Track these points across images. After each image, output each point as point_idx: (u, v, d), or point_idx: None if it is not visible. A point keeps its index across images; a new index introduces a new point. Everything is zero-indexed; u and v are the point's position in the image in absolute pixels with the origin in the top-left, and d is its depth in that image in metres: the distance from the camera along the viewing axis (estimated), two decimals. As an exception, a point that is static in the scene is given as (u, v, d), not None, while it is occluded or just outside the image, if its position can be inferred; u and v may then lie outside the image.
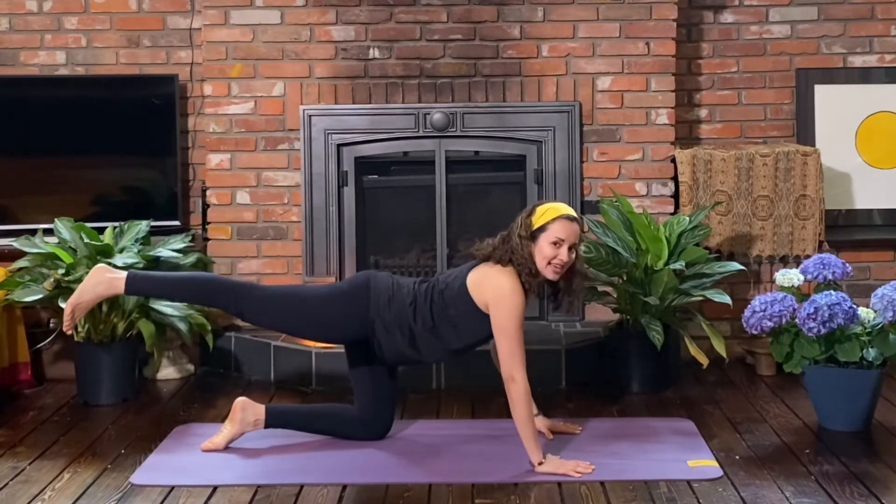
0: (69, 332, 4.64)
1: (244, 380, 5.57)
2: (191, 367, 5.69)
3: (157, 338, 5.19)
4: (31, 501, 3.97)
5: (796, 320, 4.60)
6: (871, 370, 4.60)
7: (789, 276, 4.87)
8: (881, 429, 4.69)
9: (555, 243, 4.28)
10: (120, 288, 4.48)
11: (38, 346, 5.53)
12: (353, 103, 5.82)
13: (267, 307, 4.45)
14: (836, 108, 6.10)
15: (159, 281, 4.58)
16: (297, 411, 4.69)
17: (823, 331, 4.52)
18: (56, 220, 5.37)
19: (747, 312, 4.70)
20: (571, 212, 4.36)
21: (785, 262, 5.83)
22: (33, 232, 5.43)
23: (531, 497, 3.97)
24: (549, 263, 4.28)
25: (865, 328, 4.60)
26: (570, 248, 4.30)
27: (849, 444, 4.49)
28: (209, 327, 5.33)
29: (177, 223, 5.87)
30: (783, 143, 6.08)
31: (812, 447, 4.48)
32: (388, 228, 6.07)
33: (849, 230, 6.03)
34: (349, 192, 5.86)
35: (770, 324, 4.62)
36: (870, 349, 4.57)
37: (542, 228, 4.29)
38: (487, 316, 4.30)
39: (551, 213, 4.31)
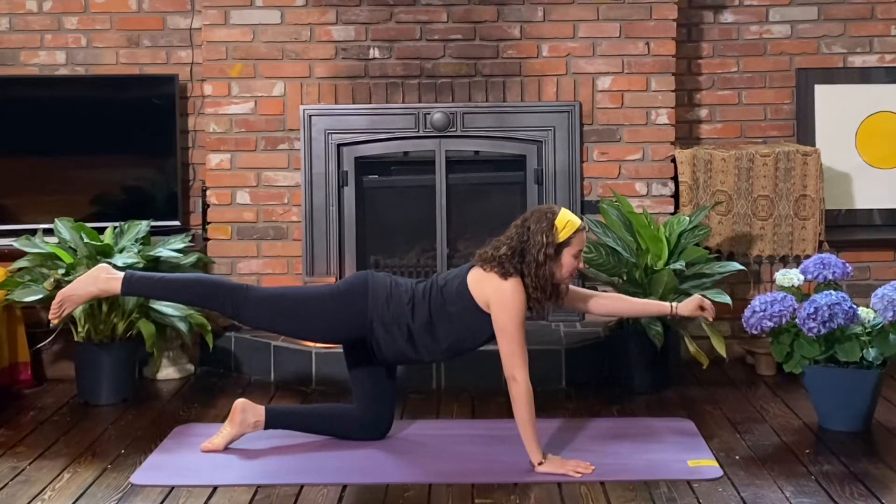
0: (55, 322, 4.61)
1: (244, 380, 5.57)
2: (191, 367, 5.69)
3: (157, 338, 5.19)
4: (31, 501, 3.98)
5: (796, 320, 4.60)
6: (871, 370, 4.60)
7: (789, 276, 4.87)
8: (881, 429, 4.69)
9: (575, 256, 4.32)
10: (116, 289, 4.47)
11: (38, 346, 5.53)
12: (353, 103, 5.82)
13: (264, 308, 4.44)
14: (836, 108, 6.10)
15: (156, 282, 4.56)
16: (296, 412, 4.69)
17: (823, 331, 4.52)
18: (56, 220, 5.37)
19: (747, 312, 4.70)
20: (580, 219, 4.39)
21: (785, 262, 5.84)
22: (33, 232, 5.43)
23: (531, 497, 3.97)
24: (570, 274, 4.34)
25: (865, 328, 4.60)
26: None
27: (849, 444, 4.49)
28: (209, 327, 5.33)
29: (177, 223, 5.87)
30: (783, 143, 6.08)
31: (812, 447, 4.48)
32: (388, 228, 6.07)
33: (849, 230, 6.03)
34: (349, 192, 5.86)
35: (770, 324, 4.62)
36: (870, 349, 4.57)
37: (565, 243, 4.30)
38: (486, 315, 4.30)
39: (571, 227, 4.30)
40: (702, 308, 4.54)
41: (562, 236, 4.28)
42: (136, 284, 4.51)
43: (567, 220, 4.30)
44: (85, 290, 4.49)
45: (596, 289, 5.32)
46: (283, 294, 4.57)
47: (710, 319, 4.62)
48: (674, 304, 4.60)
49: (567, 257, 4.31)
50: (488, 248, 4.36)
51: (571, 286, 4.53)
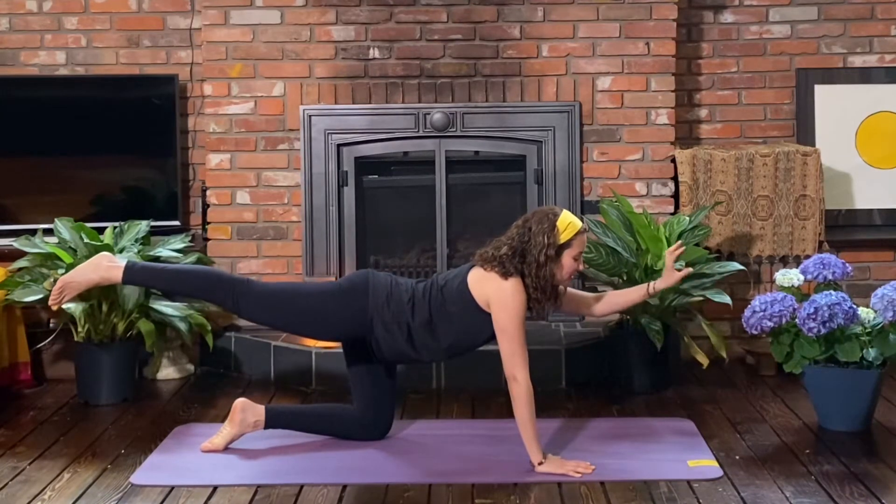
0: (55, 308, 4.61)
1: (244, 380, 5.57)
2: (191, 367, 5.69)
3: (157, 338, 5.19)
4: (31, 501, 3.97)
5: (796, 320, 4.60)
6: (871, 370, 4.60)
7: (789, 276, 4.87)
8: (881, 429, 4.69)
9: (575, 258, 4.32)
10: (117, 277, 4.47)
11: (38, 346, 5.53)
12: (353, 103, 5.82)
13: (265, 303, 4.44)
14: (836, 108, 6.10)
15: (158, 272, 4.57)
16: (296, 412, 4.69)
17: (823, 331, 4.52)
18: (56, 220, 5.37)
19: (747, 312, 4.70)
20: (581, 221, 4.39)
21: (785, 262, 5.84)
22: (33, 232, 5.43)
23: (531, 497, 3.97)
24: (570, 275, 4.34)
25: (865, 328, 4.60)
26: None
27: (849, 444, 4.49)
28: (209, 327, 5.33)
29: (177, 223, 5.87)
30: (783, 143, 6.08)
31: (812, 447, 4.48)
32: (388, 228, 6.07)
33: (849, 230, 6.03)
34: (349, 192, 5.86)
35: (770, 324, 4.62)
36: (870, 349, 4.57)
37: (566, 244, 4.30)
38: (486, 314, 4.30)
39: (573, 228, 4.30)
40: (677, 271, 4.57)
41: (563, 238, 4.28)
42: (137, 274, 4.51)
43: (569, 222, 4.30)
44: (86, 276, 4.49)
45: (596, 289, 5.34)
46: (283, 290, 4.57)
47: (691, 271, 4.66)
48: (651, 283, 4.62)
49: (567, 259, 4.31)
50: (489, 248, 4.36)
51: (569, 288, 4.53)
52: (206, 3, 5.80)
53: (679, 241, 4.81)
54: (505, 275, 4.27)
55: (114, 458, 4.41)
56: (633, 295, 4.67)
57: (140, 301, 5.18)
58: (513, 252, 4.29)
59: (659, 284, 4.61)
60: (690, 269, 4.67)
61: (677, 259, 4.63)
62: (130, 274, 4.48)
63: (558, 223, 4.28)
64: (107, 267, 4.49)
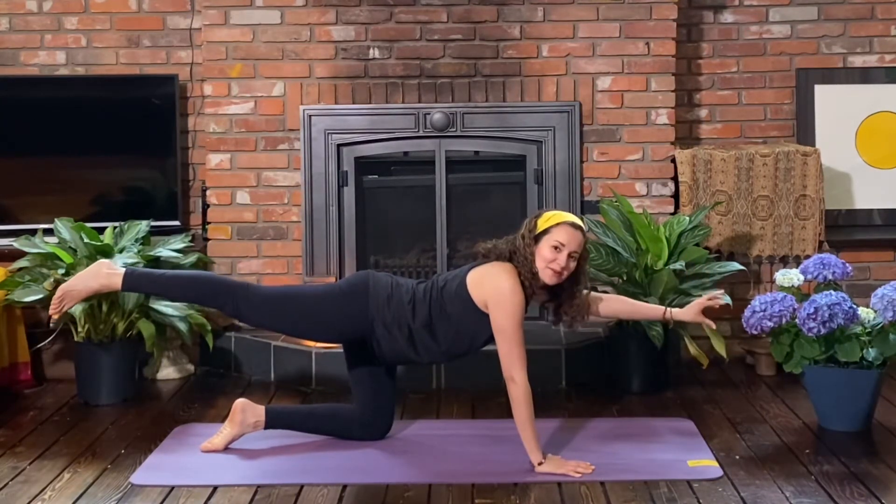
0: (55, 317, 4.61)
1: (244, 380, 5.57)
2: (191, 367, 5.69)
3: (157, 338, 5.19)
4: (31, 501, 3.97)
5: (796, 320, 4.60)
6: (871, 370, 4.60)
7: (789, 276, 4.87)
8: (881, 429, 4.69)
9: (555, 247, 4.29)
10: (117, 284, 4.48)
11: (38, 346, 5.53)
12: (353, 103, 5.82)
13: (265, 307, 4.45)
14: (836, 108, 6.10)
15: (157, 279, 4.57)
16: (296, 412, 4.69)
17: (823, 331, 4.52)
18: (56, 220, 5.37)
19: (747, 312, 4.70)
20: (577, 220, 4.38)
21: (785, 262, 5.84)
22: (33, 232, 5.43)
23: (531, 497, 3.97)
24: (548, 266, 4.30)
25: (865, 328, 4.60)
26: (569, 256, 4.31)
27: (849, 444, 4.49)
28: (209, 327, 5.33)
29: (177, 223, 5.87)
30: (783, 143, 6.08)
31: (812, 447, 4.48)
32: (388, 228, 6.07)
33: (849, 230, 6.03)
34: (349, 192, 5.86)
35: (770, 324, 4.62)
36: (870, 349, 4.57)
37: (545, 232, 4.31)
38: (485, 316, 4.30)
39: (555, 219, 4.33)
40: (704, 313, 4.55)
41: (542, 225, 4.32)
42: (136, 281, 4.52)
43: (553, 215, 4.35)
44: (85, 284, 4.49)
45: (596, 289, 5.34)
46: (284, 293, 4.57)
47: (713, 327, 4.63)
48: (669, 309, 4.61)
49: (545, 246, 4.29)
50: (490, 243, 4.42)
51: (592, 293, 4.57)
52: (206, 3, 5.80)
53: (718, 298, 4.60)
54: (499, 259, 4.33)
55: (114, 458, 4.42)
56: (644, 311, 4.69)
57: (140, 301, 5.18)
58: (506, 241, 4.37)
59: (678, 315, 4.60)
60: (713, 325, 4.64)
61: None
62: (130, 280, 4.48)
63: (545, 213, 4.37)
64: (106, 274, 4.49)
